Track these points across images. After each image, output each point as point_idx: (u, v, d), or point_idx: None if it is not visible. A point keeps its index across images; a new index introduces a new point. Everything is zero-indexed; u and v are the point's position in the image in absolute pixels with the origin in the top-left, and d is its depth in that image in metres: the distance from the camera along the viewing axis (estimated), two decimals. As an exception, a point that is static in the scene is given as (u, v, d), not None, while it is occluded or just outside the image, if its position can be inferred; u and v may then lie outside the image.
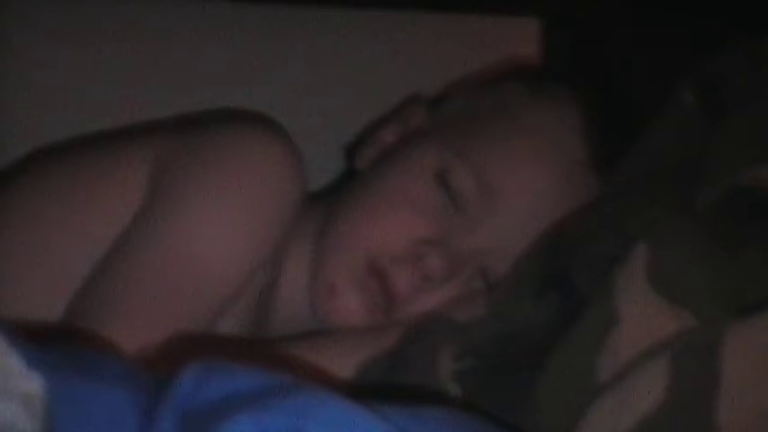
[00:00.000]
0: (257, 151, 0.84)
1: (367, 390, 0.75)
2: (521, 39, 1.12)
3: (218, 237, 0.82)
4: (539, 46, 1.13)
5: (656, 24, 1.06)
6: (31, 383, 0.54)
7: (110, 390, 0.54)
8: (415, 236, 0.87)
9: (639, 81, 1.02)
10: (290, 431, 0.50)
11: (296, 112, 1.07)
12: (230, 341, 0.85)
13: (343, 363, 0.79)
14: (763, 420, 0.63)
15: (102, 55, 1.09)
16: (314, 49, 1.13)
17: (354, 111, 1.07)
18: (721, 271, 0.69)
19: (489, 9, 1.13)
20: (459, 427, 0.55)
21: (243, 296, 0.85)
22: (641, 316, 0.68)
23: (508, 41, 1.12)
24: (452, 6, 1.13)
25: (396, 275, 0.86)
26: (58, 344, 0.58)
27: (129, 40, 1.10)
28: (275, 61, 1.12)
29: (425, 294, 0.87)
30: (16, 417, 0.54)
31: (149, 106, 1.05)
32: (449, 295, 0.87)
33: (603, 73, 1.05)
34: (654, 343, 0.66)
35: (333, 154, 1.07)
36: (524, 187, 0.88)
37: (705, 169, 0.75)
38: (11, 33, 1.08)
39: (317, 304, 0.89)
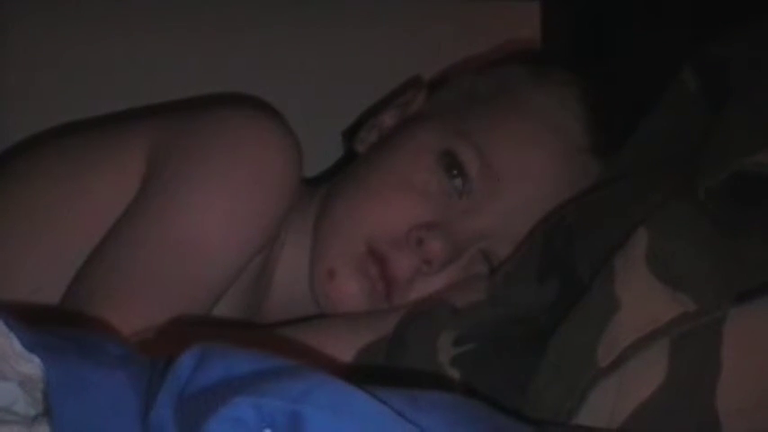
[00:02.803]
0: (254, 136, 0.84)
1: (366, 374, 0.75)
2: (522, 22, 1.12)
3: (216, 221, 0.81)
4: (540, 29, 1.13)
5: (657, 8, 1.05)
6: (31, 366, 0.54)
7: (109, 373, 0.54)
8: (415, 220, 0.86)
9: (640, 64, 1.02)
10: (288, 415, 0.50)
11: (295, 97, 1.08)
12: (229, 325, 0.85)
13: (342, 347, 0.79)
14: (763, 405, 0.63)
15: (103, 49, 1.09)
16: (313, 33, 1.12)
17: (354, 95, 1.07)
18: (722, 256, 0.68)
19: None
20: (457, 410, 0.55)
21: (236, 280, 0.84)
22: (642, 302, 0.68)
23: (509, 25, 1.11)
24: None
25: (396, 260, 0.86)
26: (57, 327, 0.58)
27: (127, 33, 1.10)
28: (274, 46, 1.12)
29: (426, 279, 0.87)
30: (15, 399, 0.54)
31: (150, 98, 1.05)
32: (450, 280, 0.87)
33: (603, 57, 1.04)
34: (654, 329, 0.66)
35: (332, 138, 1.07)
36: (526, 170, 0.88)
37: (707, 155, 0.75)
38: (11, 31, 1.08)
39: (316, 289, 0.88)
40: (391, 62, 1.10)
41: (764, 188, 0.70)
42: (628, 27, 1.06)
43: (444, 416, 0.53)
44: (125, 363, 0.55)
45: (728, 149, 0.73)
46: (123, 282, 0.79)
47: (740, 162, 0.71)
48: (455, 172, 0.87)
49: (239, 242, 0.83)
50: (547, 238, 0.81)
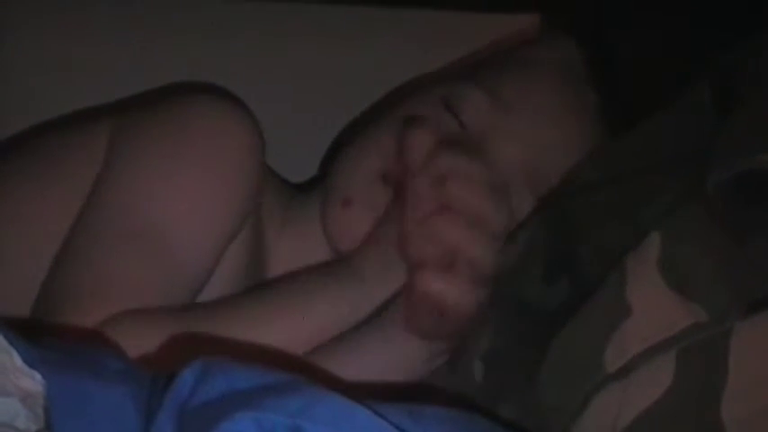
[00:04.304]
0: (214, 119, 0.83)
1: (365, 388, 0.75)
2: (521, 34, 1.11)
3: (179, 205, 0.81)
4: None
5: (655, 23, 1.05)
6: (32, 381, 0.54)
7: (110, 387, 0.54)
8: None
9: (639, 80, 1.01)
10: (288, 430, 0.50)
11: (296, 99, 1.08)
12: (229, 340, 0.85)
13: (324, 318, 0.80)
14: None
15: (103, 49, 1.09)
16: (315, 47, 1.12)
17: (353, 110, 1.06)
18: (734, 265, 0.67)
19: (490, 6, 1.12)
20: (455, 424, 0.55)
21: (221, 277, 0.84)
22: (652, 309, 0.67)
23: (509, 37, 1.11)
24: (453, 3, 1.12)
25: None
26: (57, 341, 0.58)
27: (127, 33, 1.10)
28: (273, 50, 1.12)
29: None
30: (17, 414, 0.54)
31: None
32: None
33: (603, 70, 1.04)
34: (665, 338, 0.66)
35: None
36: (535, 97, 0.87)
37: (717, 151, 0.74)
38: (11, 31, 1.08)
39: (329, 224, 0.86)
40: (389, 75, 1.09)
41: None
42: (628, 41, 1.06)
43: (443, 430, 0.53)
44: (125, 378, 0.55)
45: (735, 149, 0.73)
46: (95, 280, 0.77)
47: (746, 160, 0.71)
48: (460, 109, 0.85)
49: (206, 224, 0.82)
50: (554, 236, 0.80)
